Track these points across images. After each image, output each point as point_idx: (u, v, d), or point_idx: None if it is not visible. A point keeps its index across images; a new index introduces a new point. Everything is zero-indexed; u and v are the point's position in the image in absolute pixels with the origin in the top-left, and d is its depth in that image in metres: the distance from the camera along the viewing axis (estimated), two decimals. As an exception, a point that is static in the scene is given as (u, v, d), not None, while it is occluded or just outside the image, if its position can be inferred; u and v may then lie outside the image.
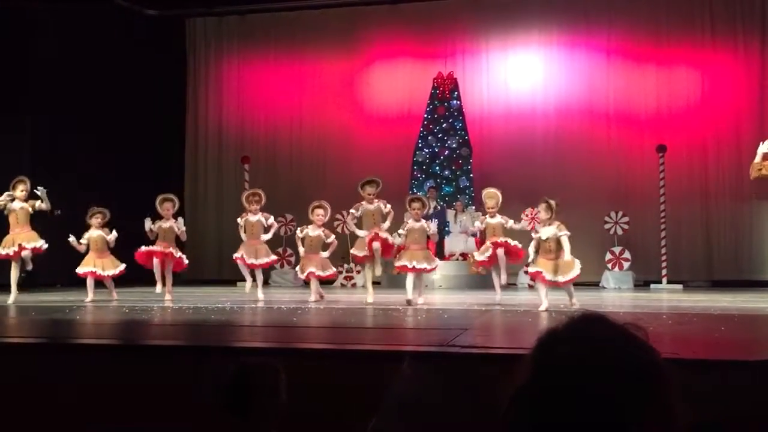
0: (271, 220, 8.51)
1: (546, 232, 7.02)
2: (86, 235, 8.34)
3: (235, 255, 8.38)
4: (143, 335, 5.37)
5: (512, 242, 7.81)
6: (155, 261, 8.15)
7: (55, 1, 11.27)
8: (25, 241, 7.95)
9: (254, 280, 8.45)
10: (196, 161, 13.80)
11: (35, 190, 8.12)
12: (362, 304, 7.76)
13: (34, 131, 11.16)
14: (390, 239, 7.85)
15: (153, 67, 12.66)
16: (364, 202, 8.03)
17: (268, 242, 8.46)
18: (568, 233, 7.00)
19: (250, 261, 8.23)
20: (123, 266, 8.43)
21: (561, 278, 6.89)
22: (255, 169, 12.89)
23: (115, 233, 8.36)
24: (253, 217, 8.37)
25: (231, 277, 10.40)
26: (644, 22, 12.05)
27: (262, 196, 8.51)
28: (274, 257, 8.71)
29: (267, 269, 12.22)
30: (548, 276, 6.85)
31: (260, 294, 8.34)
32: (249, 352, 3.94)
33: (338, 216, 11.99)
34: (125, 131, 11.96)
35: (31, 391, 3.76)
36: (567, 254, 6.87)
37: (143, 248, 8.21)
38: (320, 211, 8.28)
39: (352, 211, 8.08)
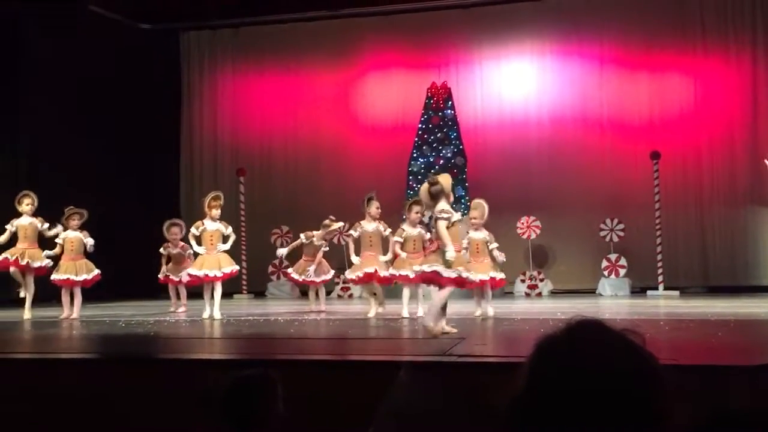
0: (230, 229, 7.79)
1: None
2: (62, 236, 7.85)
3: (191, 272, 7.65)
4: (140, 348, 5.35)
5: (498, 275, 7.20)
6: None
7: (48, 16, 11.27)
8: (30, 258, 7.70)
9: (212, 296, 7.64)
10: (191, 174, 13.78)
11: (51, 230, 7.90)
12: (361, 315, 7.73)
13: (28, 147, 11.14)
14: (385, 272, 7.35)
15: (147, 80, 12.66)
16: (363, 222, 7.56)
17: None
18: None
19: (214, 273, 7.48)
20: (98, 272, 7.96)
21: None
22: (250, 181, 12.88)
23: (91, 240, 7.92)
24: (211, 225, 7.62)
25: (227, 290, 10.35)
26: (636, 30, 12.10)
27: (222, 199, 7.85)
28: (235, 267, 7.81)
29: (263, 281, 12.30)
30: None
31: (217, 312, 7.51)
32: (246, 364, 3.92)
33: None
34: (120, 145, 11.95)
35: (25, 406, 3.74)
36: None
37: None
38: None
39: (351, 232, 7.63)
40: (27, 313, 7.72)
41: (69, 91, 11.31)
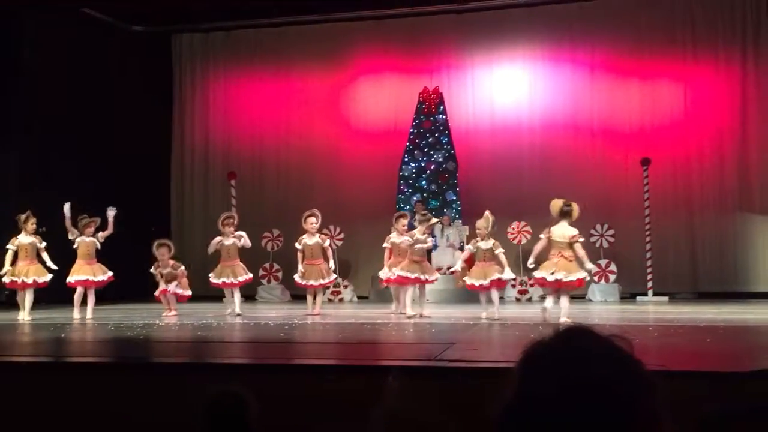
0: (246, 240, 8.92)
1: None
2: (78, 240, 8.47)
3: (214, 280, 8.81)
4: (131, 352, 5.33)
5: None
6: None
7: (40, 17, 11.22)
8: (33, 275, 8.14)
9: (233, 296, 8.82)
10: (182, 177, 13.74)
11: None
12: (352, 319, 7.75)
13: (20, 149, 11.08)
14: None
15: (139, 83, 12.63)
16: (392, 236, 8.53)
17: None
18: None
19: (230, 281, 8.71)
20: (111, 273, 8.59)
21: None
22: (241, 184, 12.85)
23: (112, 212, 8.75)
24: (228, 240, 8.73)
25: (217, 293, 10.33)
26: (627, 38, 12.16)
27: (236, 218, 9.05)
28: (250, 275, 9.04)
29: (253, 285, 12.27)
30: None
31: (238, 309, 8.60)
32: (232, 369, 3.92)
33: (325, 231, 11.99)
34: (111, 148, 11.90)
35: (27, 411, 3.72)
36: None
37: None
38: (313, 219, 8.73)
39: (385, 244, 8.59)
40: (26, 316, 8.07)
41: (59, 93, 11.26)
